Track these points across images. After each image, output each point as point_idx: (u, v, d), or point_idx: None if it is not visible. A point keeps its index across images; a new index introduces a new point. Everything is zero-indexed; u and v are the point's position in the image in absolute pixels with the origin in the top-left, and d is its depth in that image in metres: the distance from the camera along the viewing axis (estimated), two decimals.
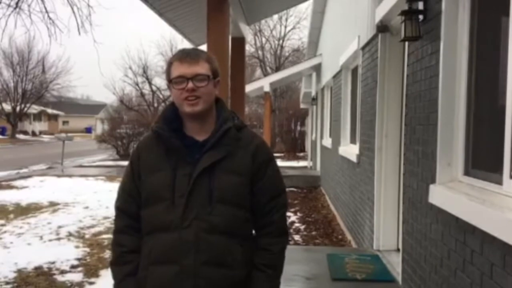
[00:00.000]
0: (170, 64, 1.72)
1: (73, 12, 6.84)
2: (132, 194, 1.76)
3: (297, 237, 6.97)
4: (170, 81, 1.70)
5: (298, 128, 24.14)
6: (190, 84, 1.65)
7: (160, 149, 1.72)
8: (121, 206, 1.79)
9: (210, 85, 1.70)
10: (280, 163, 18.71)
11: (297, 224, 7.89)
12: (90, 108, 62.97)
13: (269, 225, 1.75)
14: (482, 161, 2.61)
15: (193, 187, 1.64)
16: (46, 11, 7.67)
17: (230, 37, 5.40)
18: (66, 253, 5.88)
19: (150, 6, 4.91)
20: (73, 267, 5.37)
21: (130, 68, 36.95)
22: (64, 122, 61.40)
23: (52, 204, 9.55)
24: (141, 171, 1.73)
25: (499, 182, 2.26)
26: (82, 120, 61.25)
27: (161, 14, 4.39)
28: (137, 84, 37.20)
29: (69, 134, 29.63)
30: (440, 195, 2.75)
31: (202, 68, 1.68)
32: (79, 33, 6.77)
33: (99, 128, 38.23)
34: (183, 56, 1.70)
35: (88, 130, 53.95)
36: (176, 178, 1.66)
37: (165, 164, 1.69)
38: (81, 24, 6.84)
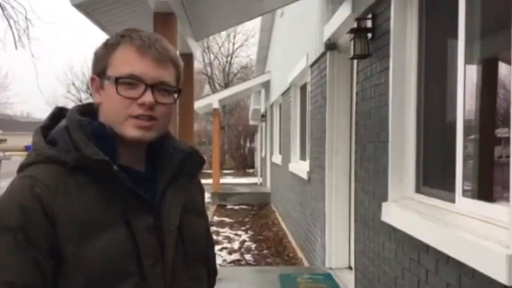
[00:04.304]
0: (115, 45, 1.04)
1: (10, 25, 6.47)
2: (36, 277, 0.93)
3: (248, 257, 6.83)
4: (109, 77, 1.02)
5: (248, 144, 24.18)
6: (150, 97, 1.01)
7: (89, 192, 0.99)
8: None
9: (174, 105, 1.08)
10: (230, 179, 18.59)
11: (248, 243, 7.75)
12: (31, 126, 60.08)
13: (213, 275, 1.28)
14: (434, 179, 2.61)
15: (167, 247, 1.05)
16: None
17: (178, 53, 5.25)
18: None
19: (93, 20, 4.69)
20: None
21: (73, 84, 35.87)
22: (1, 141, 58.33)
23: None
24: (63, 237, 0.95)
25: (452, 200, 2.25)
26: (22, 138, 58.26)
27: (103, 27, 4.20)
28: (80, 100, 36.16)
29: (7, 153, 28.02)
30: (393, 213, 2.72)
31: (169, 75, 1.05)
32: (16, 47, 6.40)
33: None
34: (146, 45, 1.03)
35: (28, 148, 51.29)
36: (136, 236, 1.00)
37: (108, 215, 0.99)
38: (18, 38, 6.47)
